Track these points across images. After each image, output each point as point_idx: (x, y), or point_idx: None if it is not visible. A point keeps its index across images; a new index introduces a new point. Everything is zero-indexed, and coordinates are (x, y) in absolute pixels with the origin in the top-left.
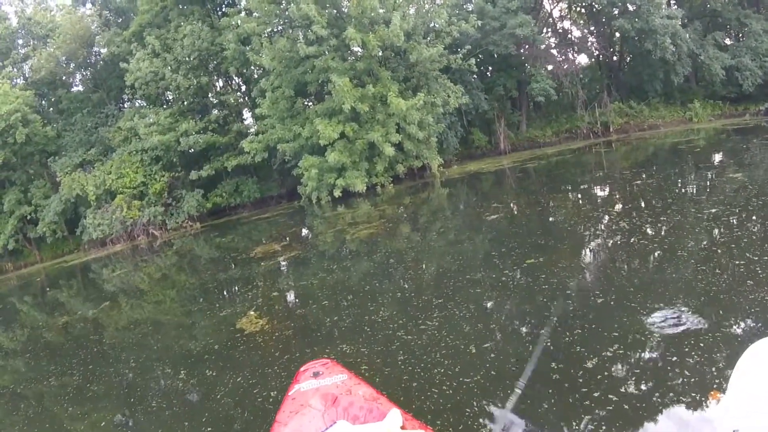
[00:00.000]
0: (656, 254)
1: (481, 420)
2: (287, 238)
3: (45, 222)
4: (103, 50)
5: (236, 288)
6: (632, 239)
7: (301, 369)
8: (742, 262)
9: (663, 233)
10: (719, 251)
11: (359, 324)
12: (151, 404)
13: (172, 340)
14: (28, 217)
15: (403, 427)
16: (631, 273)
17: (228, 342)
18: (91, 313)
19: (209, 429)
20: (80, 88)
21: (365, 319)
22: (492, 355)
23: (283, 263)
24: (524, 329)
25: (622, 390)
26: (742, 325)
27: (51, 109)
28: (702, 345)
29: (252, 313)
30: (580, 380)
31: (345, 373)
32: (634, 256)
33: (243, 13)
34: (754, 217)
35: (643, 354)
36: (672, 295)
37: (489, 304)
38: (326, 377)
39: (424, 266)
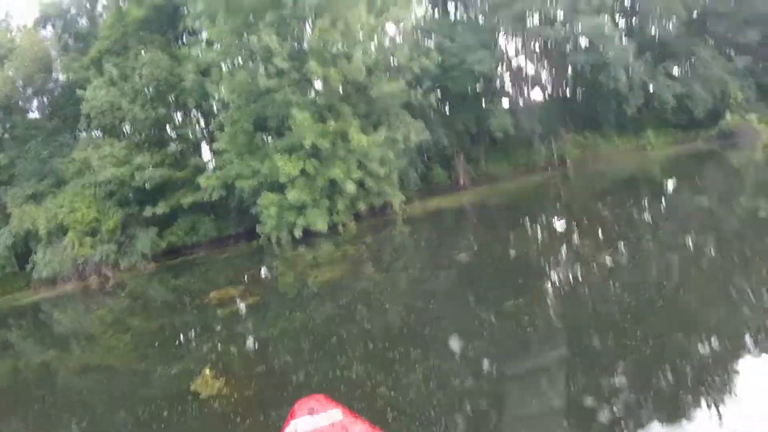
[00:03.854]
0: (640, 286)
1: None
2: (245, 281)
3: None
4: (62, 76)
5: (191, 338)
6: (611, 272)
7: (295, 406)
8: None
9: (641, 263)
10: (701, 278)
11: (331, 381)
12: None
13: (119, 403)
14: None
15: None
16: (621, 308)
17: (180, 407)
18: (37, 361)
19: None
20: (37, 114)
21: (337, 375)
22: (494, 416)
23: (242, 310)
24: (520, 384)
25: None
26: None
27: (6, 135)
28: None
29: (207, 372)
30: None
31: (339, 408)
32: (618, 290)
33: (204, 44)
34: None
35: (659, 395)
36: (673, 326)
37: (475, 354)
38: (321, 413)
39: (394, 312)
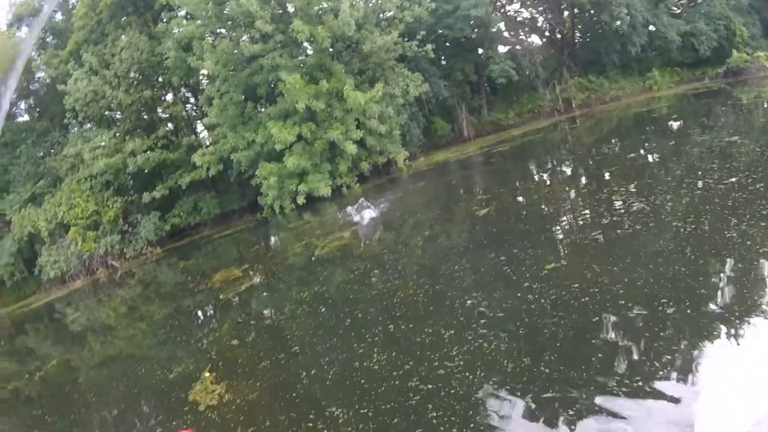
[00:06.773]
0: (699, 238)
1: None
2: (251, 258)
3: (0, 265)
4: (43, 74)
5: (192, 330)
6: (660, 224)
7: None
8: None
9: (686, 211)
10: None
11: (350, 376)
12: None
13: (142, 394)
14: None
15: None
16: (687, 267)
17: (179, 422)
18: (39, 374)
19: None
20: (26, 117)
21: (355, 367)
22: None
23: (247, 292)
24: (591, 368)
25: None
26: None
27: None
28: None
29: (207, 374)
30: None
31: None
32: (674, 246)
33: (183, 19)
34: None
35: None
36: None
37: (524, 332)
38: None
39: (415, 283)
